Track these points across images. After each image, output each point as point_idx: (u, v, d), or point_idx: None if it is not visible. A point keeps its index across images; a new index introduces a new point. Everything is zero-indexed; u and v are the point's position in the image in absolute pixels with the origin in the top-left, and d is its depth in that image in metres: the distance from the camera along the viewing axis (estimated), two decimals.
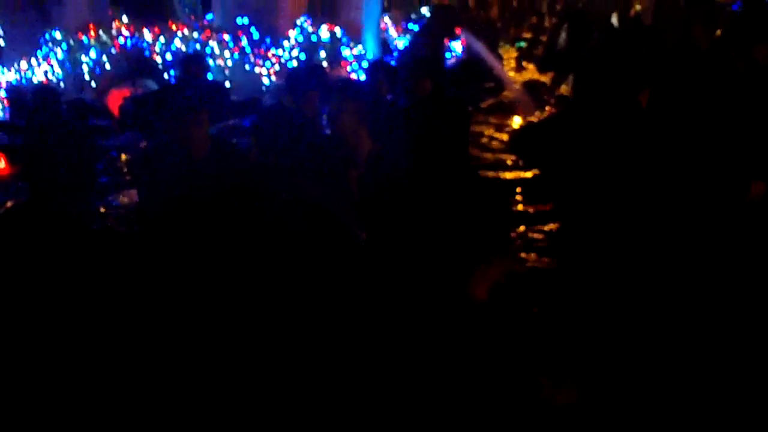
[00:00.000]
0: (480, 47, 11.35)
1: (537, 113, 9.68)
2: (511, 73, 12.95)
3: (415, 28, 12.86)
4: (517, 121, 9.44)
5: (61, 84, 9.44)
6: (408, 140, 4.19)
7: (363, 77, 8.29)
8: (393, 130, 4.04)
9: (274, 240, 3.09)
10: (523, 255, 5.51)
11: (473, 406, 3.16)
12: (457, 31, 12.00)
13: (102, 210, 5.47)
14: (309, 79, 4.54)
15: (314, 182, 3.15)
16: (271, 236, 3.11)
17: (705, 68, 5.43)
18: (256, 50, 9.89)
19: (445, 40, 11.16)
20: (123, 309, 2.26)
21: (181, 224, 3.26)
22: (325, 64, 9.31)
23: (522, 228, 6.08)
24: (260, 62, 9.77)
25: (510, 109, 10.20)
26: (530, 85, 10.88)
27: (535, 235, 5.98)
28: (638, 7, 13.00)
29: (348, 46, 10.31)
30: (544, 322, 4.24)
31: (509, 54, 15.57)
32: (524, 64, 14.16)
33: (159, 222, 3.37)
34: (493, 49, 12.28)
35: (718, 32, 6.93)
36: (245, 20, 10.02)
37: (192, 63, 6.21)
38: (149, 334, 2.33)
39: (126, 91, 9.14)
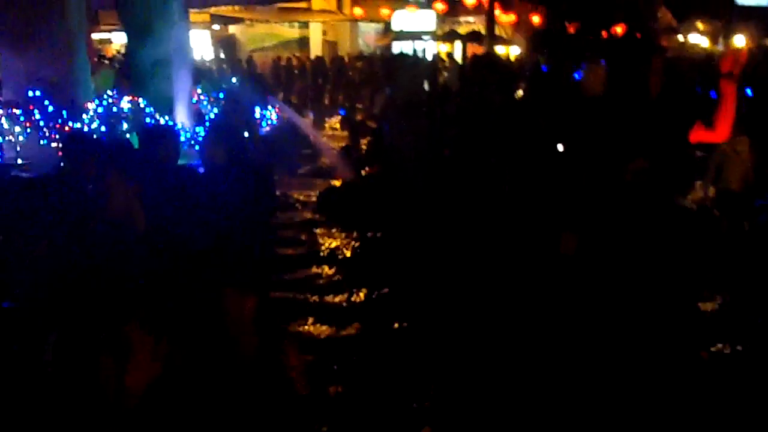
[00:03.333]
0: (294, 115, 11.29)
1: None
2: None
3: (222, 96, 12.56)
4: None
5: None
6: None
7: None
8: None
9: None
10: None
11: None
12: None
13: None
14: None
15: None
16: None
17: (508, 127, 5.59)
18: (51, 124, 9.22)
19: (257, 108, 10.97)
20: None
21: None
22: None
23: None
24: (56, 137, 9.09)
25: (327, 174, 10.26)
26: (346, 150, 10.92)
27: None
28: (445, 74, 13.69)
29: (153, 116, 9.86)
30: None
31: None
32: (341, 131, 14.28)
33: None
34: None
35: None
36: (38, 93, 9.35)
37: None
38: None
39: None
